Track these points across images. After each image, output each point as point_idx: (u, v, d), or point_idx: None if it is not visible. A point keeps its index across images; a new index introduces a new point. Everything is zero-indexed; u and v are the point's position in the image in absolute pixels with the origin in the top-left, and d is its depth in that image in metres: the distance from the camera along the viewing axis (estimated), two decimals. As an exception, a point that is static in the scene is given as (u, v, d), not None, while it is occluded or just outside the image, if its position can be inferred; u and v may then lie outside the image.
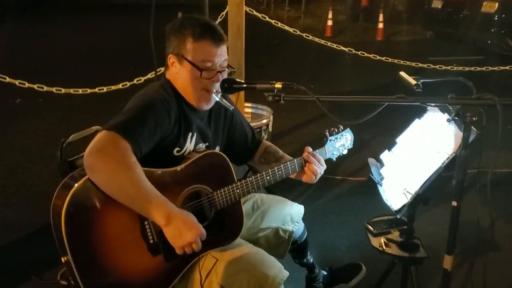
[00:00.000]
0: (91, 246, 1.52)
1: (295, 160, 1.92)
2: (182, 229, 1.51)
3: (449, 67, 5.46)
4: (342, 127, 2.05)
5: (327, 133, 2.01)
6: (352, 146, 2.10)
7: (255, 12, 4.49)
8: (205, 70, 1.75)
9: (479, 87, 1.63)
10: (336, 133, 2.03)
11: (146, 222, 1.59)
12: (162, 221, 1.51)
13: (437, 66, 5.46)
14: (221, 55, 1.79)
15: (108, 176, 1.48)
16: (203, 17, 1.87)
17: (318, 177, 1.93)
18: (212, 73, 1.77)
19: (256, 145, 2.14)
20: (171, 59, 1.80)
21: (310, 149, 1.94)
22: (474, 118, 1.54)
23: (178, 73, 1.79)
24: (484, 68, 5.57)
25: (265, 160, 2.10)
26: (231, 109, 1.91)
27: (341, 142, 2.05)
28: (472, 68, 5.59)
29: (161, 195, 1.53)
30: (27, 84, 4.29)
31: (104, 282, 1.56)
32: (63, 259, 1.50)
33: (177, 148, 1.77)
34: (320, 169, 1.92)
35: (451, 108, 1.73)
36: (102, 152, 1.48)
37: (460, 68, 5.57)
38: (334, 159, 2.06)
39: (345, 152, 2.08)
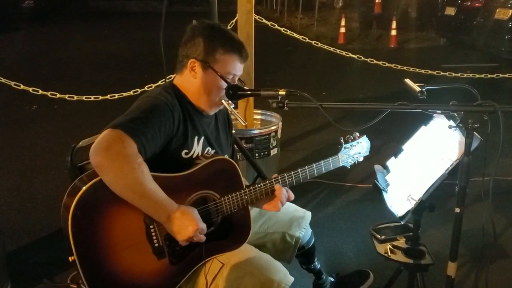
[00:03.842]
0: (97, 248, 1.55)
1: (306, 168, 1.91)
2: (181, 226, 1.59)
3: (459, 74, 5.44)
4: (358, 134, 2.02)
5: (342, 141, 2.00)
6: (368, 154, 2.06)
7: (264, 20, 4.53)
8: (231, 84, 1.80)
9: (492, 95, 1.63)
10: (352, 141, 2.00)
11: (151, 226, 1.62)
12: (163, 219, 1.59)
13: (447, 73, 5.44)
14: (241, 71, 1.86)
15: (116, 175, 1.50)
16: (231, 31, 1.88)
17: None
18: None
19: None
20: (193, 63, 1.79)
21: (276, 175, 1.90)
22: (476, 125, 1.55)
23: (196, 79, 1.80)
24: (494, 75, 5.53)
25: None
26: (244, 124, 1.95)
27: (357, 150, 2.02)
28: (483, 75, 5.55)
29: (165, 194, 1.58)
30: (40, 91, 4.39)
31: (109, 283, 1.59)
32: (70, 258, 1.53)
33: (185, 151, 1.78)
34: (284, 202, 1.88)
35: (456, 115, 1.74)
36: (109, 151, 1.50)
37: (471, 75, 5.54)
38: (349, 167, 2.03)
39: (361, 159, 2.05)
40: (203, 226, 1.64)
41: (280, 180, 1.86)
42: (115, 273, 1.58)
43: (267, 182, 1.84)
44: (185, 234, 1.59)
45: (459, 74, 5.44)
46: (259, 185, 1.82)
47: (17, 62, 8.82)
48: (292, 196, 1.90)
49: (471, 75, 5.54)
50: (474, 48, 9.24)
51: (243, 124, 1.92)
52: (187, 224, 1.59)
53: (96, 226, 1.54)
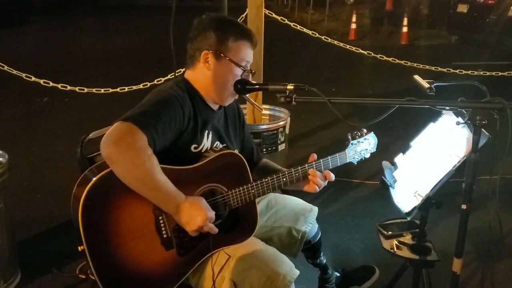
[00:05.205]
0: (106, 238, 1.57)
1: (313, 163, 1.91)
2: (190, 217, 1.61)
3: (469, 72, 5.40)
4: (365, 130, 2.03)
5: (350, 137, 2.00)
6: (375, 150, 2.07)
7: (274, 15, 4.52)
8: (245, 70, 1.83)
9: (503, 92, 1.62)
10: (359, 137, 2.00)
11: (160, 217, 1.64)
12: (172, 210, 1.61)
13: (457, 71, 5.41)
14: (252, 59, 1.88)
15: (127, 167, 1.52)
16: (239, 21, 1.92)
17: (320, 189, 1.91)
18: (247, 73, 1.85)
19: (258, 159, 2.17)
20: (206, 55, 1.80)
21: (315, 157, 1.92)
22: (484, 122, 1.54)
23: (211, 70, 1.81)
24: (506, 73, 5.49)
25: (262, 173, 2.09)
26: (261, 111, 1.96)
27: (364, 146, 2.02)
28: (494, 73, 5.51)
29: (174, 186, 1.60)
30: (51, 84, 4.44)
31: (117, 273, 1.61)
32: (79, 248, 1.55)
33: (195, 145, 1.80)
34: (325, 182, 1.91)
35: (464, 112, 1.73)
36: (120, 143, 1.51)
37: (481, 73, 5.50)
38: (355, 163, 2.04)
39: (367, 156, 2.05)
40: (212, 214, 1.65)
41: (287, 175, 1.86)
42: (123, 263, 1.60)
43: (274, 176, 1.84)
44: (194, 224, 1.61)
45: (469, 72, 5.41)
46: (266, 180, 1.83)
47: (28, 55, 8.88)
48: (332, 177, 1.90)
49: (481, 72, 5.50)
50: (486, 46, 9.15)
51: (259, 110, 1.93)
52: (196, 215, 1.60)
53: (106, 217, 1.56)
